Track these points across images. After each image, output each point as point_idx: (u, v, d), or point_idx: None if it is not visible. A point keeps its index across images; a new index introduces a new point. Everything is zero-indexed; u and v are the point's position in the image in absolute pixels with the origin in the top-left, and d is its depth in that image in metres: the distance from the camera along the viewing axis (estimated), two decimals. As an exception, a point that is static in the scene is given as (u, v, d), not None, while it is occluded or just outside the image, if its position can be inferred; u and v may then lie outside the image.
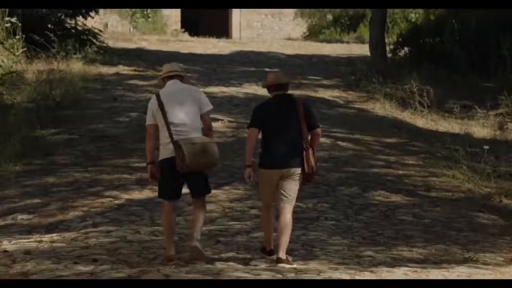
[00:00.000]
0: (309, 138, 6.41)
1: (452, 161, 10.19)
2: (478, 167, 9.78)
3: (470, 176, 9.55)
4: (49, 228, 7.55)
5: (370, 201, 8.56)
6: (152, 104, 6.39)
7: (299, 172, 6.32)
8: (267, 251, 6.46)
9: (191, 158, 6.13)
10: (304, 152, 6.32)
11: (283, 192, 6.34)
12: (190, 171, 6.20)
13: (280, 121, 6.37)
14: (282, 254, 6.26)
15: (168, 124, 6.26)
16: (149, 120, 6.43)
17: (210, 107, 6.50)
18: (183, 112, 6.30)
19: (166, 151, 6.30)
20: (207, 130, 6.44)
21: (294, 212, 7.70)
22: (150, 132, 6.42)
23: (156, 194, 8.52)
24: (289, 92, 6.61)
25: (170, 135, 6.24)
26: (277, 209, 6.49)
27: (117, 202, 8.38)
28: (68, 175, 9.43)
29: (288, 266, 6.14)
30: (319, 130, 6.53)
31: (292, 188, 6.35)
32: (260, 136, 6.46)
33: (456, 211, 8.36)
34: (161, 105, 6.31)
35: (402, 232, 7.47)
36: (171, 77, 6.49)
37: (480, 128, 13.30)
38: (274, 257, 6.32)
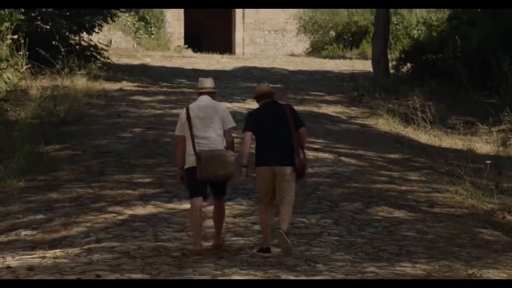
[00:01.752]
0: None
1: (455, 177, 10.19)
2: (481, 183, 9.77)
3: (473, 192, 9.55)
4: (53, 244, 7.55)
5: (373, 216, 8.55)
6: (182, 117, 7.09)
7: (291, 169, 6.97)
8: (264, 249, 6.99)
9: (210, 170, 6.83)
10: (295, 151, 6.98)
11: (282, 193, 6.98)
12: (211, 180, 6.93)
13: (271, 124, 7.07)
14: (283, 226, 6.85)
15: (193, 136, 6.94)
16: (177, 131, 7.17)
17: (233, 124, 7.15)
18: (208, 127, 6.98)
19: (190, 160, 7.00)
20: (229, 144, 7.09)
21: (297, 227, 7.81)
22: (179, 142, 7.14)
23: (160, 210, 8.64)
24: (293, 107, 7.34)
25: (194, 147, 6.92)
26: (278, 210, 7.08)
27: (120, 217, 8.38)
28: (72, 191, 9.44)
29: (286, 238, 6.76)
30: (304, 129, 7.21)
31: (289, 188, 7.00)
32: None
33: (459, 227, 8.35)
34: (188, 118, 6.99)
35: (405, 248, 7.47)
36: (202, 92, 7.18)
37: (483, 144, 13.31)
38: (270, 254, 6.88)
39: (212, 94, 7.19)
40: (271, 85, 7.97)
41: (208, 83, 7.22)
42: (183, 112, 7.09)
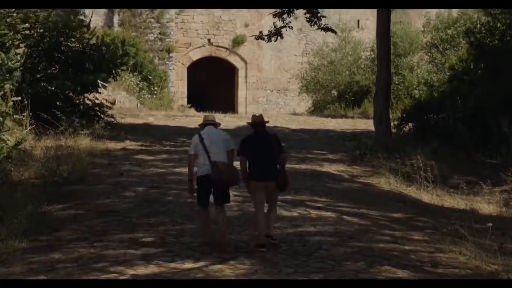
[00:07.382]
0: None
1: (458, 237, 10.15)
2: (484, 244, 9.73)
3: (476, 252, 9.50)
4: (54, 305, 7.48)
5: (376, 276, 8.50)
6: (195, 139, 9.12)
7: (275, 183, 9.06)
8: (259, 244, 8.90)
9: (225, 175, 8.79)
10: (277, 169, 9.05)
11: (270, 201, 9.17)
12: (220, 185, 8.83)
13: (260, 148, 9.09)
14: (270, 232, 9.04)
15: (208, 152, 8.94)
16: (191, 151, 9.11)
17: (234, 147, 9.18)
18: (216, 146, 9.02)
19: (202, 170, 9.00)
20: (231, 160, 9.08)
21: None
22: (191, 159, 9.10)
23: (162, 269, 8.62)
24: (278, 137, 9.44)
25: (209, 159, 8.92)
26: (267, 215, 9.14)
27: (122, 277, 8.34)
28: (74, 251, 9.40)
29: (273, 241, 8.85)
30: (284, 155, 9.43)
31: (274, 198, 9.26)
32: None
33: None
34: (202, 140, 9.05)
35: (409, 309, 7.40)
36: (207, 124, 9.24)
37: (486, 204, 13.29)
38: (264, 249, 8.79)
39: (215, 125, 9.24)
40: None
41: (210, 116, 9.41)
42: (195, 136, 9.13)
